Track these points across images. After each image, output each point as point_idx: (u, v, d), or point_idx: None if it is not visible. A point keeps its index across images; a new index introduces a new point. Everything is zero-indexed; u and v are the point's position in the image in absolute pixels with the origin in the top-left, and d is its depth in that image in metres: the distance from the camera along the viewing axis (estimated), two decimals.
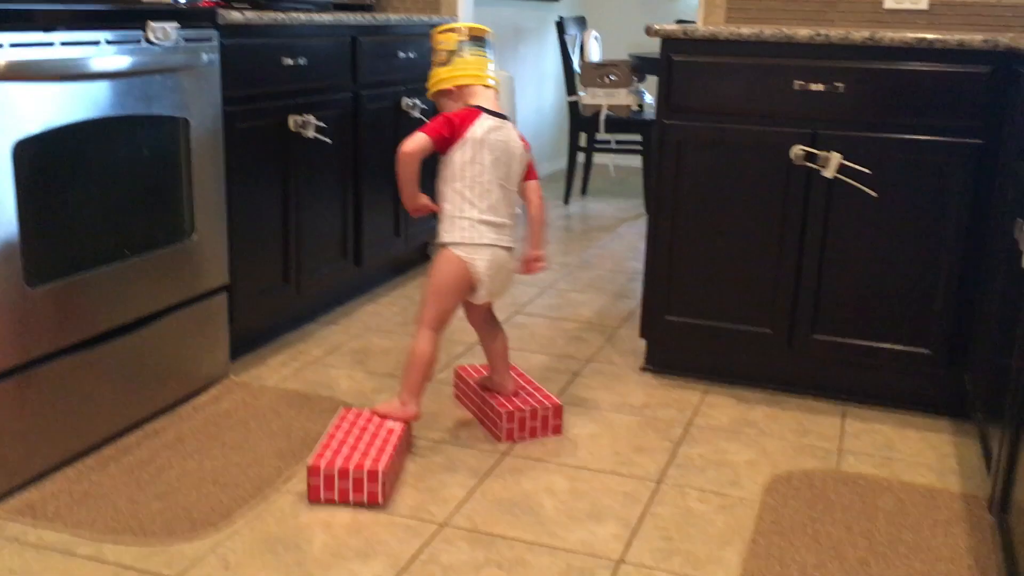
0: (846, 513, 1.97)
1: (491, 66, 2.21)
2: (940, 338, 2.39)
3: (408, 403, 2.15)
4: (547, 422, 2.28)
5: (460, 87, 2.18)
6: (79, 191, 2.03)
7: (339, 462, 1.94)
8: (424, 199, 2.23)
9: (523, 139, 2.22)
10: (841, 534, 1.89)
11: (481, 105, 2.16)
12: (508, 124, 2.18)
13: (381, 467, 1.92)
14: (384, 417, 2.14)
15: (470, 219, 2.12)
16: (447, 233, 2.15)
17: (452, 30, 2.19)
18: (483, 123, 2.13)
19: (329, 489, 1.93)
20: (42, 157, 1.92)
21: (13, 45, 1.80)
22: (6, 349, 1.86)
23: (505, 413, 2.23)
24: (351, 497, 1.93)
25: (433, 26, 3.54)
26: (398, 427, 2.11)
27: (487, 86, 2.19)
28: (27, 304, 1.90)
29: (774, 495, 2.03)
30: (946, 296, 2.37)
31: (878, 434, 2.37)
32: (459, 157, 2.13)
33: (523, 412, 2.25)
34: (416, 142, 2.12)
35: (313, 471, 1.93)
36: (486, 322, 2.31)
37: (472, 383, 2.40)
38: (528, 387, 2.38)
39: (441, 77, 2.19)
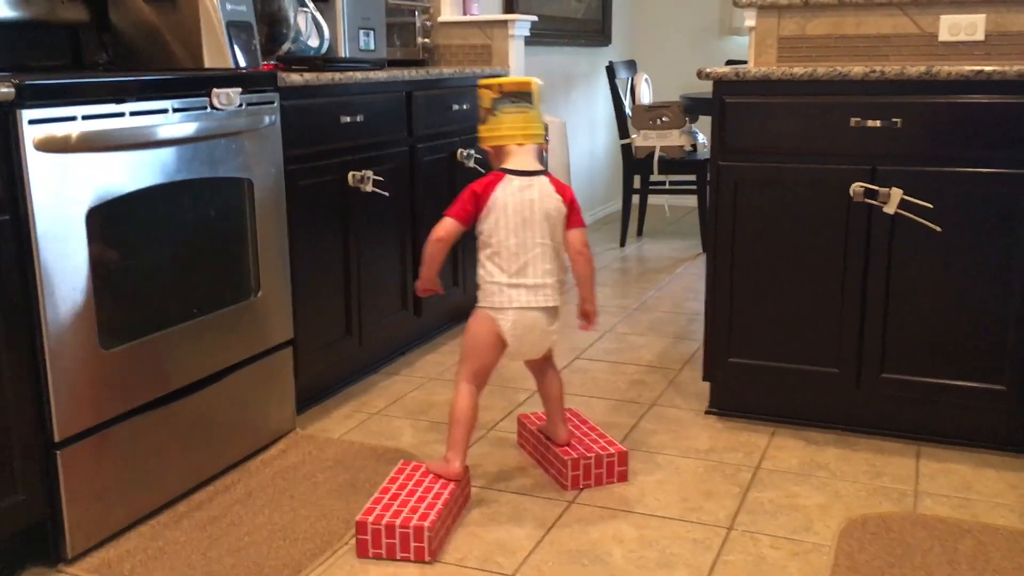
0: (926, 558, 1.91)
1: (532, 118, 2.16)
2: (1014, 374, 2.33)
3: (452, 460, 2.11)
4: (613, 469, 2.27)
5: (496, 147, 2.18)
6: (149, 254, 2.09)
7: (387, 518, 1.94)
8: (436, 283, 2.25)
9: (562, 189, 2.17)
10: None
11: (508, 167, 2.14)
12: (539, 180, 2.14)
13: (427, 524, 1.92)
14: (435, 474, 2.13)
15: (499, 284, 2.13)
16: (481, 297, 2.17)
17: (487, 86, 2.16)
18: (506, 187, 2.12)
19: (377, 545, 1.94)
20: (113, 223, 1.98)
21: (86, 117, 1.88)
22: (83, 410, 1.92)
23: (570, 461, 2.22)
24: (398, 553, 1.94)
25: (485, 77, 3.61)
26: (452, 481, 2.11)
27: (520, 144, 2.15)
28: (101, 366, 1.95)
29: (849, 540, 1.98)
30: (1019, 330, 2.30)
31: (955, 474, 2.30)
32: (486, 226, 2.13)
33: (588, 459, 2.24)
34: (445, 228, 2.15)
35: (361, 527, 1.95)
36: (540, 368, 2.31)
37: (534, 431, 2.40)
38: (592, 433, 2.37)
39: (481, 135, 2.20)
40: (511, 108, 2.15)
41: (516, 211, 2.11)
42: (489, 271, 2.15)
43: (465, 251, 3.47)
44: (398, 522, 1.93)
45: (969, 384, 2.37)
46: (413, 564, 1.92)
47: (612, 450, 2.27)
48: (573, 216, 2.19)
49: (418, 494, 2.04)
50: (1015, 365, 2.32)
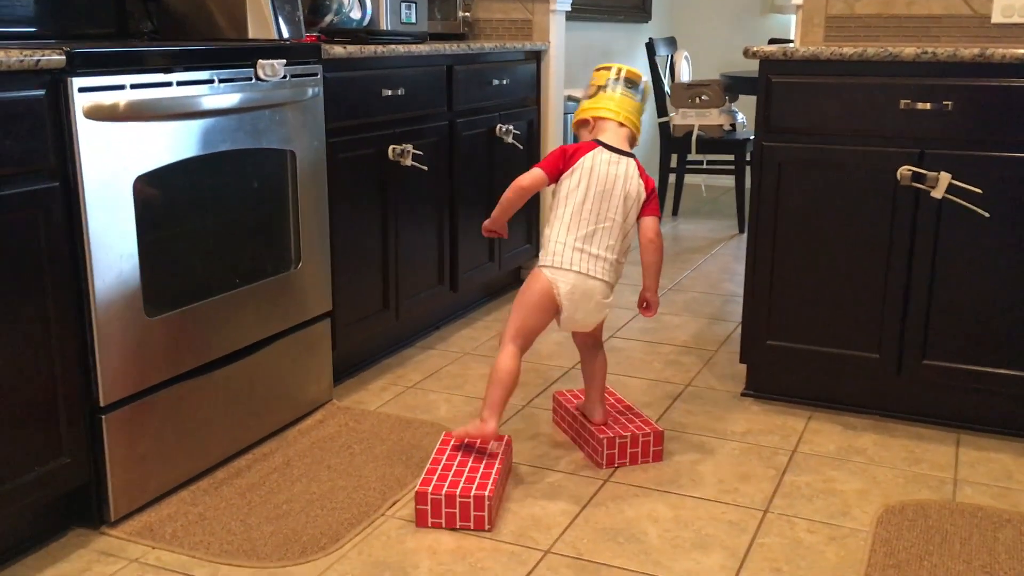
0: (964, 546, 1.90)
1: (636, 108, 2.25)
2: None
3: (487, 420, 2.11)
4: (648, 448, 2.27)
5: (596, 119, 2.23)
6: (193, 224, 2.11)
7: (446, 488, 1.96)
8: (503, 227, 2.33)
9: (646, 178, 2.21)
10: (960, 568, 1.82)
11: (601, 140, 2.19)
12: (628, 161, 2.18)
13: (487, 493, 1.94)
14: (463, 438, 2.12)
15: (564, 243, 2.15)
16: (543, 254, 2.19)
17: (607, 68, 2.27)
18: (597, 155, 2.16)
19: (436, 515, 1.96)
20: (159, 192, 2.00)
21: (134, 86, 1.89)
22: (127, 376, 1.95)
23: (606, 439, 2.23)
24: (458, 523, 1.95)
25: (527, 53, 3.59)
26: (500, 451, 2.12)
27: (621, 124, 2.21)
28: (146, 333, 1.97)
29: (887, 527, 1.97)
30: None
31: (995, 463, 2.28)
32: (566, 185, 2.17)
33: (624, 438, 2.24)
34: (532, 177, 2.21)
35: (421, 497, 1.96)
36: (588, 346, 2.31)
37: (570, 408, 2.40)
38: (628, 412, 2.37)
39: (582, 108, 2.26)
40: (625, 91, 2.24)
41: (599, 180, 2.15)
42: (557, 231, 2.16)
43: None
44: (458, 491, 1.94)
45: (1012, 372, 2.34)
46: (448, 536, 1.94)
47: (648, 429, 2.27)
48: (650, 204, 2.21)
49: (469, 464, 2.06)
50: None
